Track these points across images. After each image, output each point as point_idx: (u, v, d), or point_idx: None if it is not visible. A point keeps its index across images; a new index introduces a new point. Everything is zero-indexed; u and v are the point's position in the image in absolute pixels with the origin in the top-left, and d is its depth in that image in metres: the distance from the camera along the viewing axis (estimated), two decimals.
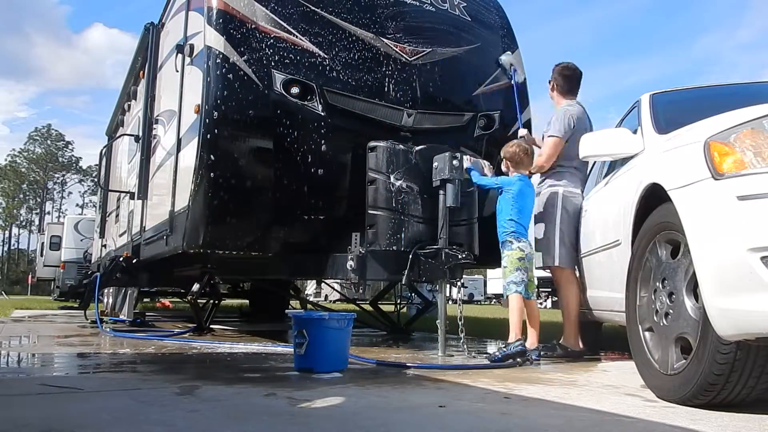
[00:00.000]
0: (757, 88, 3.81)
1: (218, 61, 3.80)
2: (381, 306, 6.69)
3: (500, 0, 5.10)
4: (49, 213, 56.83)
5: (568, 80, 4.21)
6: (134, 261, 5.80)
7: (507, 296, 3.70)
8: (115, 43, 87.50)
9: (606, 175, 3.86)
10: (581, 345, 3.85)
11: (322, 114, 4.00)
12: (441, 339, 3.78)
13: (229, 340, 5.00)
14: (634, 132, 3.25)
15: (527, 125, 4.73)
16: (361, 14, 4.24)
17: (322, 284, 17.41)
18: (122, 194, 7.04)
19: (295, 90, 3.94)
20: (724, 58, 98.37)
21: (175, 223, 4.22)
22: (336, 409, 2.12)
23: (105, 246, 8.72)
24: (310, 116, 3.97)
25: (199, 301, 5.95)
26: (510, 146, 3.89)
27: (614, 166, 3.66)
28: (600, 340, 4.63)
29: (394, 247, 3.70)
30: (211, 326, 5.84)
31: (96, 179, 32.19)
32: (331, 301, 22.12)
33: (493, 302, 34.05)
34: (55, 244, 19.57)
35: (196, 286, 5.54)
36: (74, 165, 58.83)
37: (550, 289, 23.47)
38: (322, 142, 4.00)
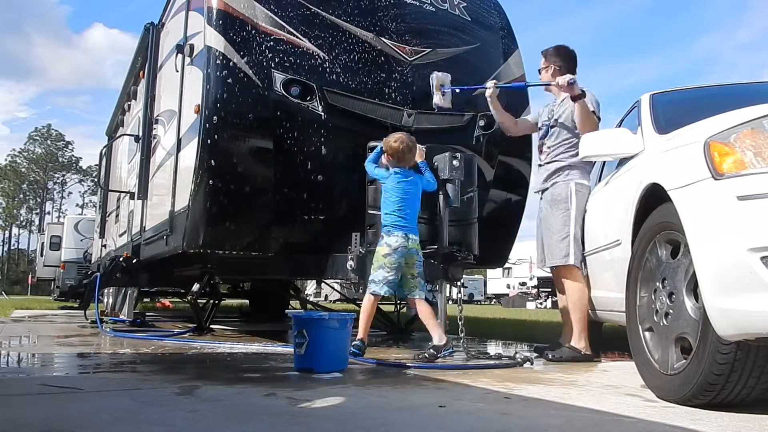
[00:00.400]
0: (757, 88, 3.81)
1: (218, 61, 3.80)
2: (381, 306, 6.68)
3: (501, 0, 5.10)
4: (49, 213, 56.93)
5: (568, 59, 4.00)
6: (134, 261, 5.80)
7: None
8: (115, 43, 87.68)
9: (606, 175, 3.86)
10: (590, 350, 3.70)
11: (322, 114, 4.00)
12: None
13: (229, 340, 5.00)
14: (634, 132, 3.25)
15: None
16: (361, 14, 4.24)
17: (322, 284, 17.40)
18: (122, 194, 7.04)
19: (295, 90, 3.94)
20: (724, 58, 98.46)
21: (175, 223, 4.22)
22: (336, 409, 2.12)
23: (105, 246, 8.73)
24: (310, 116, 3.97)
25: (199, 301, 5.94)
26: (393, 141, 3.55)
27: (614, 166, 3.66)
28: (600, 340, 4.62)
29: None
30: (211, 326, 5.83)
31: (96, 179, 32.19)
32: (331, 301, 22.14)
33: (493, 302, 34.06)
34: (55, 244, 19.59)
35: (196, 286, 5.54)
36: (74, 165, 58.89)
37: (549, 289, 23.48)
38: (322, 142, 4.00)
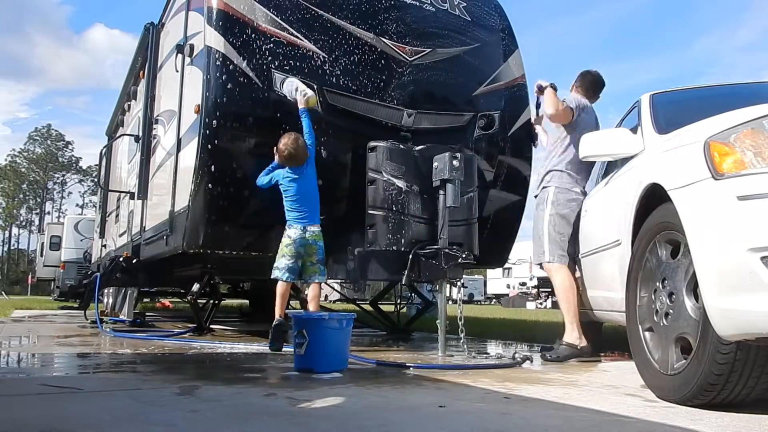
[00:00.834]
0: (757, 88, 3.80)
1: (218, 61, 3.80)
2: (381, 306, 6.70)
3: (501, 0, 5.10)
4: (49, 213, 56.88)
5: (589, 83, 4.27)
6: (134, 261, 5.80)
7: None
8: (116, 43, 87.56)
9: (606, 175, 3.86)
10: (585, 341, 3.77)
11: (322, 113, 4.00)
12: (441, 339, 3.78)
13: (229, 340, 5.00)
14: (634, 132, 3.25)
15: (527, 126, 4.73)
16: (361, 14, 4.24)
17: (322, 284, 17.38)
18: (122, 194, 7.04)
19: None
20: (723, 59, 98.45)
21: (175, 223, 4.22)
22: (336, 409, 2.12)
23: (105, 246, 8.72)
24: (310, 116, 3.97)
25: (199, 301, 5.94)
26: (281, 146, 3.69)
27: (614, 166, 3.66)
28: (600, 340, 4.62)
29: (394, 247, 3.71)
30: (211, 326, 5.83)
31: (96, 179, 32.20)
32: (331, 301, 22.11)
33: (493, 302, 34.05)
34: (55, 244, 19.57)
35: (196, 286, 5.54)
36: (74, 165, 58.84)
37: (549, 289, 23.45)
38: (323, 142, 4.00)
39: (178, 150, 4.33)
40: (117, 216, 7.54)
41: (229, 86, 3.78)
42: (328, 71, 4.06)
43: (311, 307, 3.88)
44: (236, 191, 3.86)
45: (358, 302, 7.76)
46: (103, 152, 9.02)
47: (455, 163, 3.72)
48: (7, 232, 57.85)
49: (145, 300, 11.02)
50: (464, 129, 4.52)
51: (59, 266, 18.18)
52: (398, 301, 7.30)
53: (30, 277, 30.72)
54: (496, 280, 36.47)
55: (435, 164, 3.80)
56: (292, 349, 3.15)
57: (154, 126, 5.51)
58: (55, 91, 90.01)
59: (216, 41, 3.84)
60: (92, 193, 53.07)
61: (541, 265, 4.05)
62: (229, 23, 3.87)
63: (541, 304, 25.94)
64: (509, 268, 32.08)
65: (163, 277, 6.55)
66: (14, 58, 78.92)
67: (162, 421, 1.85)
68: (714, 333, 1.95)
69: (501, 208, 4.74)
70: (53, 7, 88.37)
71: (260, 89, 3.85)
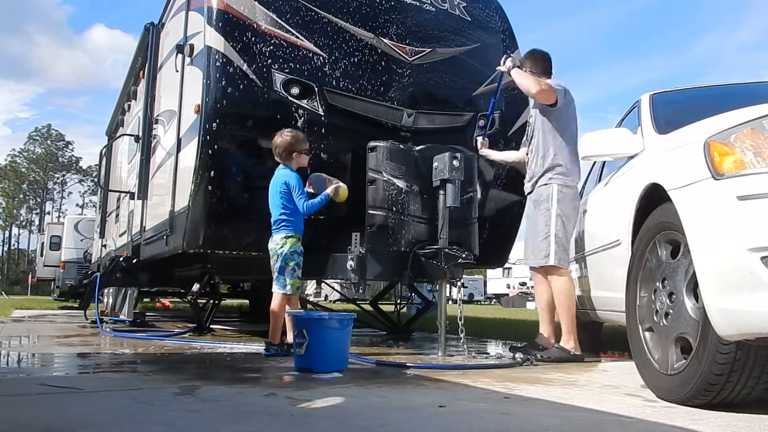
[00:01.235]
0: (757, 88, 3.80)
1: (218, 61, 3.80)
2: (381, 306, 6.70)
3: (501, 1, 5.10)
4: (49, 213, 56.89)
5: (540, 62, 3.95)
6: (134, 261, 5.81)
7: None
8: (116, 43, 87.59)
9: (606, 175, 3.86)
10: (580, 350, 3.67)
11: (322, 114, 4.00)
12: (441, 339, 3.78)
13: (229, 340, 5.00)
14: (634, 132, 3.25)
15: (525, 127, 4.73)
16: (361, 14, 4.24)
17: (322, 284, 17.41)
18: (122, 194, 7.04)
19: (295, 90, 3.94)
20: (723, 59, 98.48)
21: (175, 223, 4.22)
22: (336, 409, 2.12)
23: (105, 246, 8.73)
24: (310, 116, 3.97)
25: (199, 301, 5.95)
26: (279, 137, 3.70)
27: (614, 166, 3.66)
28: (600, 340, 4.63)
29: (394, 247, 3.70)
30: (211, 326, 5.84)
31: (96, 179, 32.20)
32: (331, 301, 22.13)
33: (493, 302, 34.04)
34: (55, 244, 19.59)
35: (196, 286, 5.54)
36: (74, 165, 58.85)
37: None
38: (322, 142, 4.00)
39: (178, 150, 4.33)
40: (117, 216, 7.54)
41: (229, 86, 3.78)
42: (328, 71, 4.06)
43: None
44: (236, 191, 3.86)
45: (358, 302, 7.76)
46: (103, 152, 9.02)
47: (455, 163, 3.71)
48: (7, 232, 57.89)
49: (145, 300, 11.02)
50: (464, 129, 4.52)
51: (59, 266, 18.20)
52: (398, 301, 7.30)
53: (30, 277, 30.72)
54: (496, 280, 36.49)
55: (435, 164, 3.80)
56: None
57: (154, 126, 5.51)
58: (55, 91, 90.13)
59: (216, 41, 3.84)
60: (92, 193, 53.09)
61: (535, 267, 3.82)
62: (229, 23, 3.87)
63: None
64: (509, 268, 32.09)
65: (163, 277, 6.56)
66: (15, 58, 79.03)
67: (162, 421, 1.85)
68: (714, 333, 1.95)
69: (501, 208, 4.75)
70: (54, 7, 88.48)
71: (260, 89, 3.85)
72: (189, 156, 4.00)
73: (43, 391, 2.40)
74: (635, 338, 2.53)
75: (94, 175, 50.29)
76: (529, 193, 3.94)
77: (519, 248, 4.61)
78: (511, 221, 4.91)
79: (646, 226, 2.50)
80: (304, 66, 3.99)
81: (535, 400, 2.32)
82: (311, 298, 13.78)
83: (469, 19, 4.75)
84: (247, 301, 10.54)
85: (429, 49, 4.40)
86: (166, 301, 12.62)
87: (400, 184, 3.77)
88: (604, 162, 4.09)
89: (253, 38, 3.89)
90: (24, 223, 58.37)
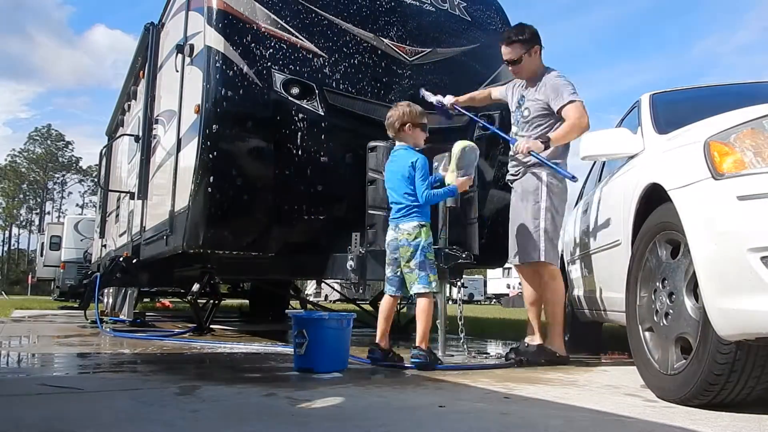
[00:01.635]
0: (757, 88, 3.80)
1: (218, 61, 3.80)
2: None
3: (502, 2, 5.10)
4: (49, 213, 56.88)
5: (538, 36, 3.67)
6: (134, 261, 5.80)
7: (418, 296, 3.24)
8: (117, 44, 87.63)
9: (606, 175, 3.86)
10: (565, 352, 3.57)
11: (322, 114, 4.00)
12: (441, 339, 3.78)
13: (229, 340, 5.00)
14: (634, 132, 3.25)
15: None
16: (361, 14, 4.24)
17: (322, 284, 17.39)
18: (122, 194, 7.04)
19: (295, 90, 3.95)
20: (722, 60, 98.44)
21: (175, 223, 4.22)
22: (336, 409, 2.12)
23: (105, 246, 8.73)
24: (310, 116, 3.97)
25: (199, 301, 5.95)
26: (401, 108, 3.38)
27: (614, 166, 3.66)
28: (600, 340, 4.63)
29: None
30: (211, 326, 5.83)
31: (96, 179, 32.19)
32: (331, 301, 22.12)
33: (493, 302, 34.04)
34: (55, 244, 19.60)
35: (196, 286, 5.54)
36: (74, 165, 58.85)
37: None
38: (322, 142, 4.00)
39: (178, 150, 4.33)
40: (117, 216, 7.54)
41: (229, 86, 3.78)
42: (328, 72, 4.06)
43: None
44: (236, 191, 3.86)
45: (358, 302, 7.75)
46: (103, 152, 9.02)
47: None
48: (7, 232, 57.89)
49: (145, 300, 11.01)
50: (464, 129, 4.52)
51: (59, 266, 18.20)
52: (398, 301, 7.28)
53: (30, 277, 30.73)
54: (496, 280, 36.47)
55: (435, 164, 3.80)
56: (292, 349, 3.15)
57: (154, 126, 5.51)
58: (55, 91, 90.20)
59: (216, 41, 3.84)
60: (92, 193, 53.09)
61: (522, 264, 3.63)
62: (229, 23, 3.87)
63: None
64: (509, 268, 31.98)
65: (163, 277, 6.56)
66: (15, 59, 79.05)
67: (162, 421, 1.85)
68: (714, 333, 1.95)
69: (501, 208, 4.74)
70: (54, 7, 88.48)
71: (260, 89, 3.85)
72: (189, 156, 4.00)
73: (43, 391, 2.40)
74: (635, 338, 2.53)
75: (94, 175, 50.29)
76: (515, 178, 3.67)
77: None
78: None
79: (646, 226, 2.50)
80: (304, 66, 3.99)
81: (535, 400, 2.32)
82: (311, 298, 13.78)
83: (470, 20, 4.75)
84: (247, 301, 10.53)
85: (429, 49, 4.40)
86: (166, 301, 12.62)
87: None
88: (604, 162, 4.09)
89: (253, 38, 3.89)
90: (24, 223, 58.40)
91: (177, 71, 4.60)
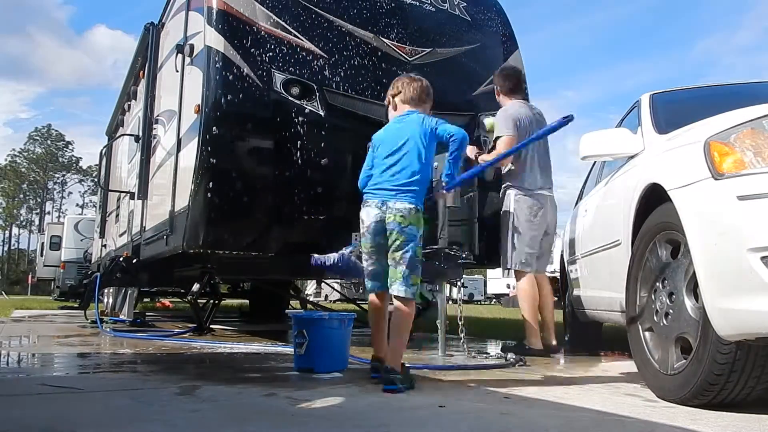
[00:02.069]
0: (757, 88, 3.80)
1: (218, 61, 3.80)
2: None
3: (502, 2, 5.10)
4: (49, 213, 56.86)
5: (509, 79, 4.19)
6: (134, 261, 5.80)
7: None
8: (117, 44, 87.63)
9: (606, 175, 3.86)
10: (542, 345, 3.91)
11: (322, 114, 4.00)
12: (441, 339, 3.78)
13: (229, 340, 5.00)
14: (634, 132, 3.25)
15: None
16: (361, 14, 4.24)
17: (322, 284, 17.40)
18: (122, 194, 7.04)
19: (295, 90, 3.95)
20: (722, 61, 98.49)
21: (175, 223, 4.22)
22: (336, 409, 2.12)
23: (105, 246, 8.73)
24: (310, 116, 3.97)
25: (199, 301, 5.94)
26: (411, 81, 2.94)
27: (614, 166, 3.66)
28: (600, 340, 4.63)
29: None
30: (211, 326, 5.83)
31: (96, 179, 32.20)
32: (331, 301, 22.12)
33: (493, 302, 34.03)
34: (55, 244, 19.60)
35: (196, 286, 5.54)
36: (74, 165, 58.85)
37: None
38: (322, 142, 4.00)
39: (178, 150, 4.33)
40: (117, 216, 7.54)
41: (229, 86, 3.78)
42: (328, 72, 4.06)
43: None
44: (236, 191, 3.85)
45: (358, 302, 7.75)
46: (103, 152, 9.02)
47: None
48: (7, 232, 57.89)
49: (145, 300, 11.01)
50: (464, 129, 4.51)
51: (59, 266, 18.20)
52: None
53: (30, 277, 30.74)
54: (496, 280, 36.40)
55: (435, 164, 3.79)
56: (292, 349, 3.15)
57: (154, 126, 5.51)
58: (56, 91, 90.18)
59: (216, 41, 3.84)
60: (92, 193, 53.08)
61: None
62: (229, 23, 3.87)
63: None
64: (509, 268, 32.00)
65: (163, 277, 6.56)
66: (16, 59, 79.05)
67: (162, 421, 1.85)
68: (714, 333, 1.95)
69: (501, 208, 4.74)
70: (55, 7, 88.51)
71: (260, 89, 3.85)
72: (189, 156, 3.99)
73: (43, 391, 2.40)
74: (635, 338, 2.53)
75: (94, 175, 50.29)
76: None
77: None
78: None
79: (646, 226, 2.50)
80: (304, 66, 3.99)
81: (535, 400, 2.32)
82: (311, 298, 13.79)
83: (469, 20, 4.75)
84: (247, 301, 10.53)
85: (429, 49, 4.40)
86: (166, 301, 12.61)
87: None
88: (604, 162, 4.09)
89: (253, 38, 3.89)
90: (24, 223, 58.40)
91: (177, 71, 4.60)
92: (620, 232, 2.96)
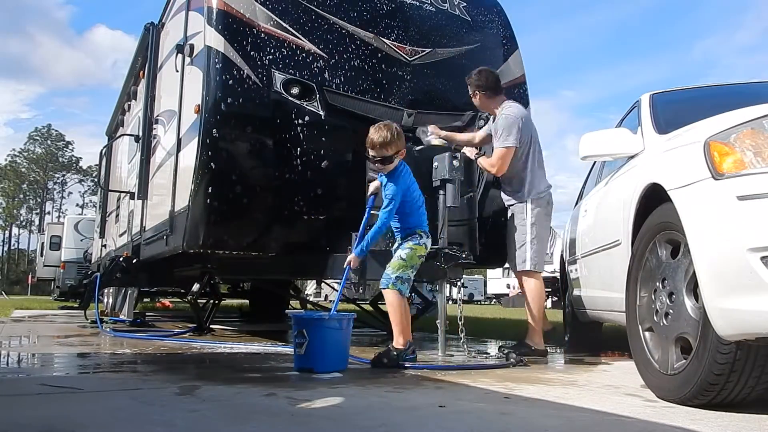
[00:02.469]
0: (757, 88, 3.80)
1: (218, 61, 3.80)
2: (381, 306, 6.68)
3: (502, 2, 5.10)
4: (49, 213, 56.91)
5: (491, 76, 4.06)
6: (134, 261, 5.80)
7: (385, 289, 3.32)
8: (117, 44, 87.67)
9: (606, 175, 3.86)
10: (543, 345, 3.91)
11: (322, 114, 4.00)
12: (441, 339, 3.78)
13: (229, 340, 5.00)
14: (634, 132, 3.25)
15: None
16: (361, 14, 4.24)
17: (322, 284, 17.39)
18: (122, 194, 7.04)
19: (295, 90, 3.95)
20: (722, 61, 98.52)
21: (175, 223, 4.22)
22: (336, 409, 2.12)
23: (105, 246, 8.72)
24: (310, 116, 3.97)
25: (199, 301, 5.94)
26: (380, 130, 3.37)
27: (614, 166, 3.66)
28: (600, 340, 4.63)
29: (394, 247, 3.70)
30: (211, 326, 5.83)
31: (96, 179, 32.20)
32: (331, 301, 22.12)
33: (493, 302, 34.04)
34: (55, 244, 19.62)
35: (196, 286, 5.54)
36: (74, 165, 58.86)
37: (549, 289, 23.43)
38: (323, 142, 4.00)
39: (178, 150, 4.33)
40: (117, 216, 7.54)
41: (229, 86, 3.78)
42: (328, 72, 4.06)
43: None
44: (236, 191, 3.86)
45: (358, 302, 7.75)
46: (103, 152, 9.01)
47: (455, 163, 3.72)
48: (7, 232, 57.90)
49: (145, 300, 11.02)
50: (464, 129, 4.52)
51: (59, 266, 18.21)
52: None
53: (30, 277, 30.75)
54: (496, 280, 36.45)
55: (435, 164, 3.80)
56: (292, 349, 3.15)
57: (154, 126, 5.51)
58: (56, 91, 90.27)
59: (216, 41, 3.84)
60: (92, 193, 53.11)
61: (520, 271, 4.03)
62: (229, 23, 3.87)
63: None
64: (509, 268, 32.02)
65: (163, 277, 6.55)
66: (16, 59, 79.08)
67: (162, 421, 1.85)
68: (714, 333, 1.95)
69: (501, 208, 4.74)
70: (55, 7, 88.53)
71: (260, 89, 3.85)
72: (189, 156, 3.99)
73: (43, 391, 2.40)
74: (635, 338, 2.53)
75: (94, 175, 50.31)
76: (509, 205, 4.07)
77: None
78: None
79: (646, 226, 2.50)
80: (304, 66, 3.99)
81: (535, 400, 2.32)
82: (311, 298, 13.77)
83: (470, 20, 4.75)
84: (247, 301, 10.53)
85: (429, 49, 4.40)
86: (166, 301, 12.62)
87: None
88: (604, 162, 4.09)
89: (253, 38, 3.89)
90: (24, 223, 58.43)
91: (177, 71, 4.60)
92: (620, 232, 2.96)
